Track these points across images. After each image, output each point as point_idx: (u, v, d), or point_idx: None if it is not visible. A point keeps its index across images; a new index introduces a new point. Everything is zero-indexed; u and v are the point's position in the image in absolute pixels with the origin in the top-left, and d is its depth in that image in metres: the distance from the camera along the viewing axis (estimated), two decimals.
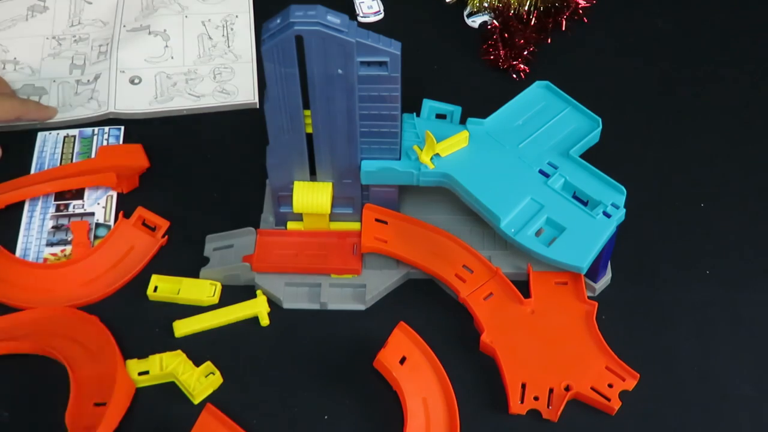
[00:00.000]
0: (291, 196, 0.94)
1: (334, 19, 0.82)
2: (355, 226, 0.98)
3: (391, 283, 0.96)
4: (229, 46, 1.20)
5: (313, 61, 0.84)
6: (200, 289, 0.95)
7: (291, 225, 0.98)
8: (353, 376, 0.91)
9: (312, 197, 0.94)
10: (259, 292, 0.95)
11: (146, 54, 1.17)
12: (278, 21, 0.82)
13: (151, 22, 1.21)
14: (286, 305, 0.95)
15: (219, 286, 0.95)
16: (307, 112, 0.89)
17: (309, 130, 0.90)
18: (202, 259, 0.98)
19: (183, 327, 0.93)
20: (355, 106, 0.88)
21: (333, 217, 0.97)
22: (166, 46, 1.19)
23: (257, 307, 0.94)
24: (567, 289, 0.94)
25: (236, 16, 1.23)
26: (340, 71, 0.85)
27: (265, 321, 0.93)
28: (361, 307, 0.95)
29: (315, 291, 0.95)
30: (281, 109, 0.88)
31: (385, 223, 0.96)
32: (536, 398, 0.87)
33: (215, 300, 0.95)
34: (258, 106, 1.13)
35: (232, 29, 1.22)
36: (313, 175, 0.95)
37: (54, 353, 0.89)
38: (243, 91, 1.15)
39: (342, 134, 0.90)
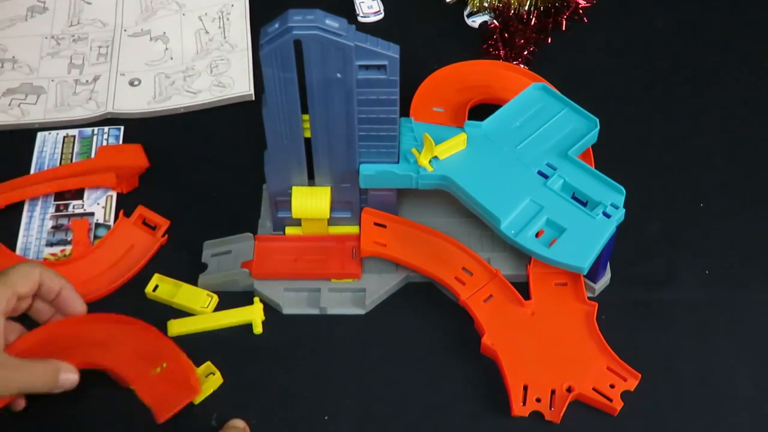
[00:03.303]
0: (289, 201, 0.94)
1: (332, 23, 0.82)
2: (353, 229, 0.97)
3: (391, 287, 0.96)
4: (225, 37, 1.20)
5: (311, 65, 0.84)
6: (196, 298, 0.95)
7: (289, 230, 0.98)
8: (353, 379, 0.91)
9: (311, 202, 0.93)
10: (256, 299, 0.95)
11: (147, 59, 1.18)
12: (276, 26, 0.82)
13: (152, 26, 1.21)
14: (286, 311, 0.95)
15: (215, 298, 0.95)
16: (306, 117, 0.89)
17: (307, 134, 0.90)
18: (200, 260, 0.98)
19: (177, 327, 0.93)
20: (353, 110, 0.87)
21: (332, 221, 0.97)
22: (166, 48, 1.19)
23: (252, 315, 0.93)
24: (567, 290, 0.94)
25: (232, 5, 1.23)
26: (339, 75, 0.84)
27: (258, 329, 0.93)
28: (361, 311, 0.95)
29: (314, 296, 0.95)
30: (280, 114, 0.87)
31: (384, 226, 0.96)
32: (538, 400, 0.87)
33: (209, 311, 0.94)
34: (254, 98, 1.13)
35: (228, 19, 1.22)
36: (311, 180, 0.95)
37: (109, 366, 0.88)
38: (239, 82, 1.15)
39: (341, 138, 0.90)
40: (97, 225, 1.02)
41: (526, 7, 1.19)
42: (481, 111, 1.05)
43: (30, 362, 0.83)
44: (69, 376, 0.84)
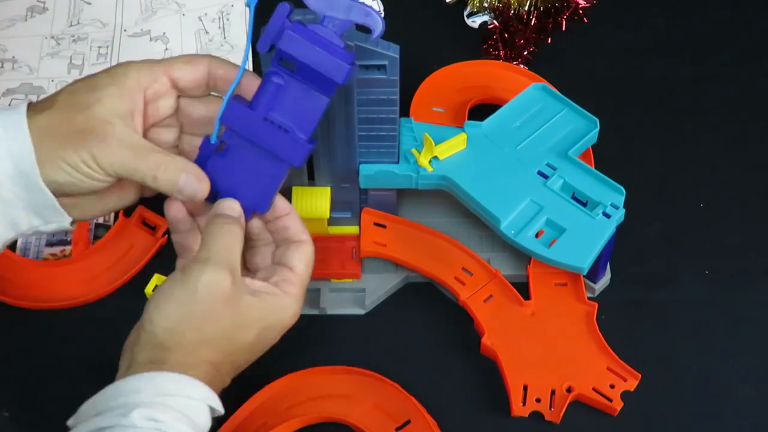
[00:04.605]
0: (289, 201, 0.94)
1: None
2: (353, 229, 0.97)
3: (391, 287, 0.96)
4: (225, 38, 1.20)
5: None
6: None
7: None
8: None
9: (311, 202, 0.93)
10: None
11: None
12: None
13: (152, 26, 1.21)
14: None
15: None
16: None
17: None
18: None
19: None
20: (353, 110, 0.87)
21: (331, 221, 0.97)
22: (166, 48, 1.19)
23: None
24: (567, 290, 0.94)
25: (232, 6, 1.23)
26: None
27: None
28: (361, 311, 0.95)
29: (314, 296, 0.95)
30: None
31: (384, 226, 0.96)
32: (538, 400, 0.87)
33: None
34: None
35: (228, 19, 1.22)
36: (311, 180, 0.95)
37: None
38: None
39: (340, 138, 0.90)
40: (97, 225, 1.02)
41: (526, 8, 1.19)
42: (481, 111, 1.05)
43: (156, 151, 0.76)
44: (190, 181, 0.76)
